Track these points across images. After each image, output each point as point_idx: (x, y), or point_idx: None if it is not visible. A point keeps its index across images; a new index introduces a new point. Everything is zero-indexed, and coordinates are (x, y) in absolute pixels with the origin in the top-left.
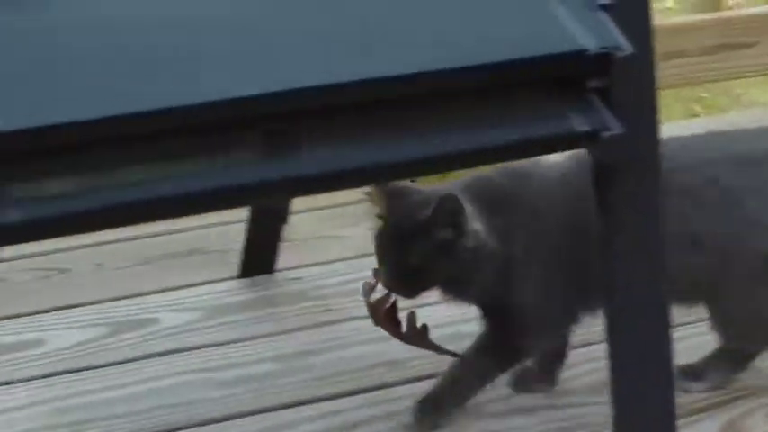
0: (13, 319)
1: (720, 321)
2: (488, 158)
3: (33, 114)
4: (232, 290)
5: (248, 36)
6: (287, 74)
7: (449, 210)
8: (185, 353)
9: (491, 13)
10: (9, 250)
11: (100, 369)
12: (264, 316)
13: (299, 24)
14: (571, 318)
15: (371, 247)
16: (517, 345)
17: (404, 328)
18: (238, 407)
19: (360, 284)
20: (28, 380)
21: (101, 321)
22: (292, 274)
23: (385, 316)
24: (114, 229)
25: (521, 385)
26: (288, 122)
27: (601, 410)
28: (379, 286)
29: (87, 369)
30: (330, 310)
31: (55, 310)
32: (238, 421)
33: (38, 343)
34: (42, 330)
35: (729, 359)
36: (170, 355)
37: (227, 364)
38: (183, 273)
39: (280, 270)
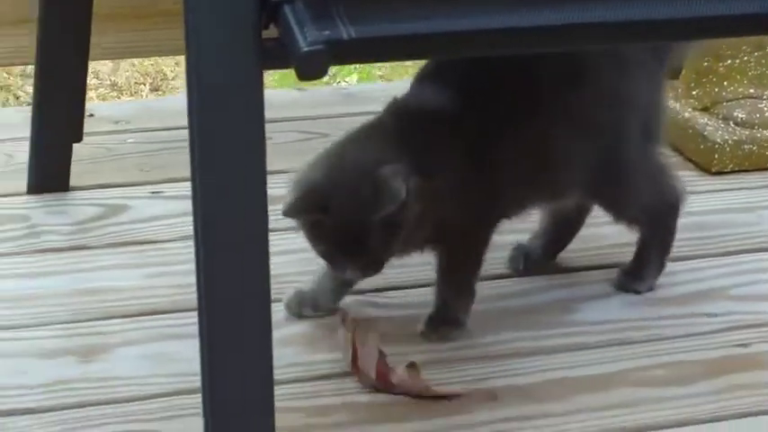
0: (282, 174)
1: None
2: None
3: None
4: None
5: None
6: None
7: (394, 190)
8: None
9: None
10: (275, 112)
11: None
12: None
13: None
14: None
15: None
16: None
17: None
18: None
19: None
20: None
21: None
22: None
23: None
24: (434, 57)
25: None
26: None
27: None
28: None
29: None
30: None
31: None
32: (490, 282)
33: None
34: None
35: (654, 251)
36: None
37: None
38: None
39: None
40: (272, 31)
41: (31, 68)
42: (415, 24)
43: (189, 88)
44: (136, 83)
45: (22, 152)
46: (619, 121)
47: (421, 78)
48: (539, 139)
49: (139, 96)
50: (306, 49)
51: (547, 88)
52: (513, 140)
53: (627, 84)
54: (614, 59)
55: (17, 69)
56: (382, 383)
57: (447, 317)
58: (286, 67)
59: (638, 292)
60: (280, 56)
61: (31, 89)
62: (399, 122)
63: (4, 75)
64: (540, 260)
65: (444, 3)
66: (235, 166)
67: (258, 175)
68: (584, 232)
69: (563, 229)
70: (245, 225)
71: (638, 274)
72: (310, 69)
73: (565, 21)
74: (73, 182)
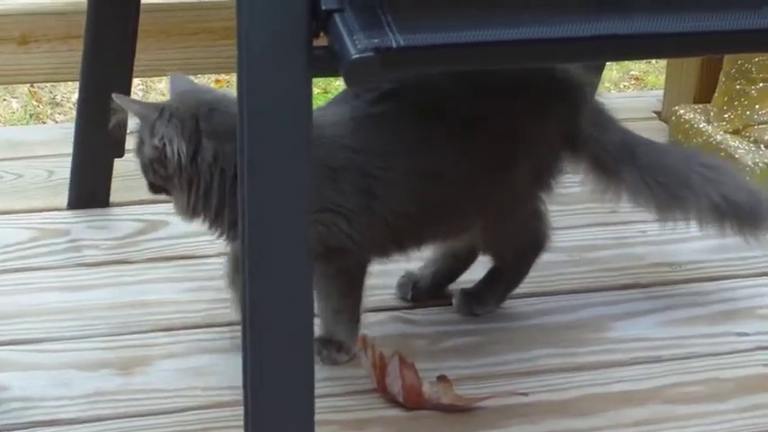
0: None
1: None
2: None
3: None
4: None
5: None
6: None
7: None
8: None
9: None
10: None
11: None
12: (554, 212)
13: None
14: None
15: None
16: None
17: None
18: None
19: None
20: None
21: None
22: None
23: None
24: (481, 67)
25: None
26: None
27: None
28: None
29: None
30: (615, 212)
31: None
32: (523, 300)
33: None
34: None
35: (505, 282)
36: None
37: None
38: None
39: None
40: (321, 40)
41: (60, 96)
42: (463, 33)
43: (239, 94)
44: None
45: (63, 168)
46: (516, 165)
47: (336, 100)
48: (438, 176)
49: None
50: (355, 56)
51: (450, 127)
52: (410, 176)
53: (530, 128)
54: (522, 103)
55: (47, 97)
56: (412, 399)
57: (331, 340)
58: (335, 75)
59: (476, 315)
60: (329, 63)
61: (60, 117)
62: None
63: (34, 102)
64: (428, 289)
65: (493, 12)
66: (281, 168)
67: (303, 178)
68: (620, 251)
69: (454, 261)
70: (290, 229)
71: (481, 297)
72: (359, 76)
73: (627, 31)
74: (113, 198)
